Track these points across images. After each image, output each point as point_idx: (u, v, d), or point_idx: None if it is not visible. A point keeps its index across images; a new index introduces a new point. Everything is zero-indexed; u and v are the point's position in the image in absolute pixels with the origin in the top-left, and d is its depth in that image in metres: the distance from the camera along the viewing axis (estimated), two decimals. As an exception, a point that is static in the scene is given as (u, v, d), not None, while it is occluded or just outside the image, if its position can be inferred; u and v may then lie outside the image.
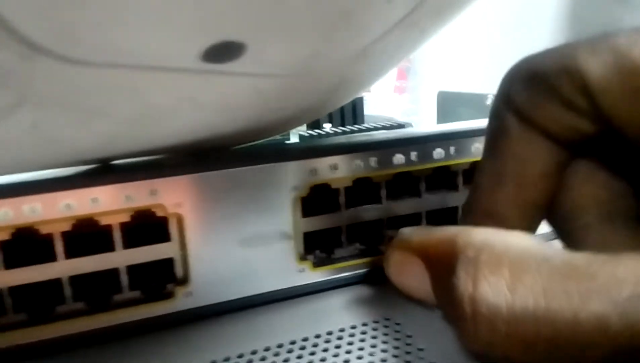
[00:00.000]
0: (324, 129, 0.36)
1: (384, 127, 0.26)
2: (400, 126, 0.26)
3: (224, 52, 0.11)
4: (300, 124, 0.20)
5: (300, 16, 0.11)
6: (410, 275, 0.13)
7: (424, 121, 0.62)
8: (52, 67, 0.10)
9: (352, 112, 0.39)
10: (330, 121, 0.38)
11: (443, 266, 0.12)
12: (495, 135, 0.14)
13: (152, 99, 0.12)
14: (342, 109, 0.38)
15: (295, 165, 0.16)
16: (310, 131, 0.34)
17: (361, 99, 0.40)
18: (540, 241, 0.11)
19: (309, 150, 0.16)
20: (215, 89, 0.13)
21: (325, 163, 0.16)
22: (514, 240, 0.11)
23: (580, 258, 0.10)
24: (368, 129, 0.27)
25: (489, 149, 0.14)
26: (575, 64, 0.12)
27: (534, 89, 0.13)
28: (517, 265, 0.10)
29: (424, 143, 0.17)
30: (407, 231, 0.14)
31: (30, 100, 0.10)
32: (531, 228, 0.13)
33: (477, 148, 0.18)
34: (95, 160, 0.15)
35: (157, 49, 0.10)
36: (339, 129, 0.34)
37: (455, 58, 0.73)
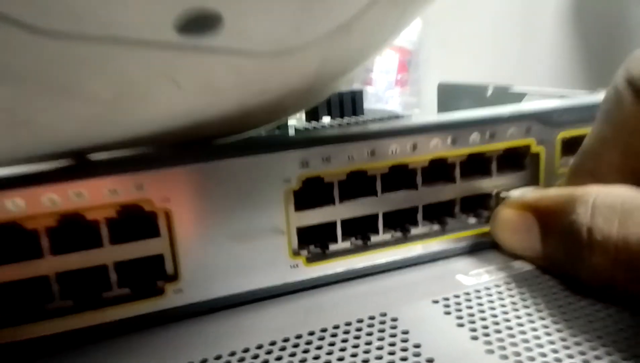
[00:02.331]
0: (322, 122, 0.35)
1: (382, 119, 0.26)
2: (398, 117, 0.26)
3: (200, 23, 0.11)
4: (288, 115, 0.19)
5: None
6: (518, 227, 0.16)
7: (425, 114, 0.61)
8: (19, 39, 0.09)
9: (352, 105, 0.38)
10: (329, 114, 0.37)
11: (557, 214, 0.15)
12: (610, 106, 0.16)
13: (128, 76, 0.12)
14: (341, 101, 0.38)
15: (285, 156, 0.15)
16: (308, 124, 0.33)
17: (360, 92, 0.39)
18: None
19: (299, 141, 0.16)
20: (194, 67, 0.12)
21: (317, 155, 0.16)
22: (623, 189, 0.14)
23: None
24: (365, 122, 0.26)
25: (603, 118, 0.16)
26: None
27: None
28: (627, 204, 0.13)
29: (420, 133, 0.17)
30: (516, 194, 0.18)
31: None
32: None
33: (474, 138, 0.18)
34: (75, 151, 0.14)
35: (129, 18, 0.10)
36: (337, 121, 0.34)
37: (458, 50, 0.73)
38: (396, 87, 0.64)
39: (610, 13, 0.77)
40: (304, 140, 0.16)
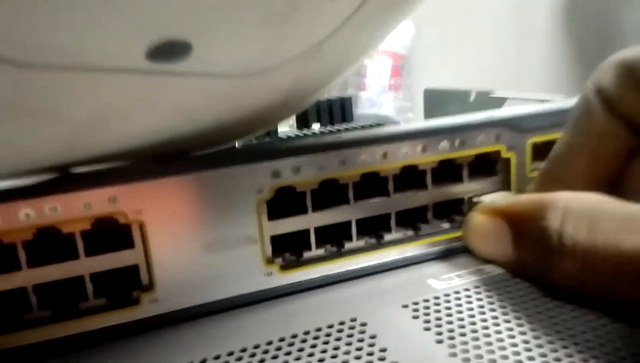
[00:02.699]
0: (312, 129, 0.36)
1: (363, 127, 0.26)
2: (380, 124, 0.26)
3: (169, 51, 0.11)
4: (268, 126, 0.20)
5: (246, 14, 0.11)
6: (490, 233, 0.16)
7: (418, 118, 0.61)
8: None
9: (341, 112, 0.39)
10: (318, 121, 0.38)
11: (527, 220, 0.15)
12: (580, 115, 0.16)
13: (105, 101, 0.12)
14: (330, 108, 0.38)
15: (256, 168, 0.16)
16: (297, 132, 0.34)
17: (350, 99, 0.39)
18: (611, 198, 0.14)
19: (270, 153, 0.16)
20: (168, 90, 0.13)
21: (287, 165, 0.16)
22: (592, 195, 0.14)
23: None
24: (347, 130, 0.27)
25: (573, 126, 0.17)
26: None
27: (621, 79, 0.15)
28: (596, 210, 0.13)
29: (389, 142, 0.17)
30: (488, 199, 0.18)
31: None
32: None
33: (444, 146, 0.18)
34: (55, 168, 0.15)
35: (101, 49, 0.10)
36: (325, 128, 0.34)
37: (451, 54, 0.73)
38: (390, 92, 0.64)
39: (603, 17, 0.77)
40: (275, 151, 0.16)
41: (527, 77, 0.75)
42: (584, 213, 0.14)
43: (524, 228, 0.16)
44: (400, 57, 0.64)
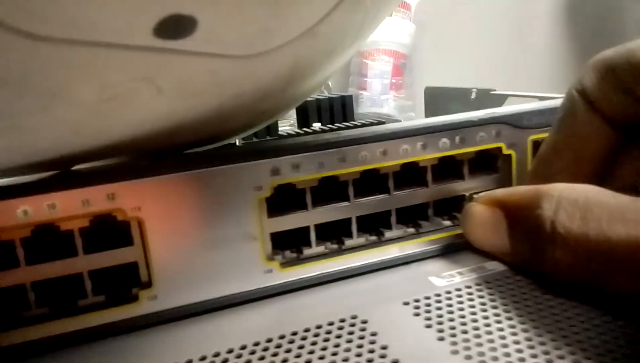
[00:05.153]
0: (312, 128, 0.36)
1: (363, 125, 0.26)
2: (381, 122, 0.26)
3: (175, 27, 0.11)
4: (266, 120, 0.20)
5: None
6: (487, 222, 0.16)
7: (419, 117, 0.61)
8: (8, 42, 0.10)
9: (342, 110, 0.39)
10: (319, 120, 0.38)
11: (523, 209, 0.15)
12: (564, 115, 0.17)
13: (110, 80, 0.12)
14: (331, 107, 0.38)
15: (255, 165, 0.16)
16: (298, 131, 0.34)
17: (350, 97, 0.39)
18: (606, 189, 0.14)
19: (269, 150, 0.16)
20: (172, 70, 0.13)
21: (287, 162, 0.16)
22: (587, 186, 0.14)
23: (635, 200, 0.13)
24: (347, 128, 0.27)
25: (557, 126, 0.17)
26: (638, 58, 0.15)
27: (602, 78, 0.16)
28: (589, 199, 0.13)
29: (389, 140, 0.17)
30: (484, 193, 0.18)
31: None
32: None
33: (444, 143, 0.18)
34: (56, 162, 0.15)
35: (110, 23, 0.11)
36: (327, 127, 0.34)
37: (452, 53, 0.73)
38: (391, 91, 0.64)
39: (604, 14, 0.77)
40: (274, 149, 0.16)
41: (527, 75, 0.75)
42: (578, 202, 0.14)
43: (520, 217, 0.16)
44: (401, 56, 0.64)
